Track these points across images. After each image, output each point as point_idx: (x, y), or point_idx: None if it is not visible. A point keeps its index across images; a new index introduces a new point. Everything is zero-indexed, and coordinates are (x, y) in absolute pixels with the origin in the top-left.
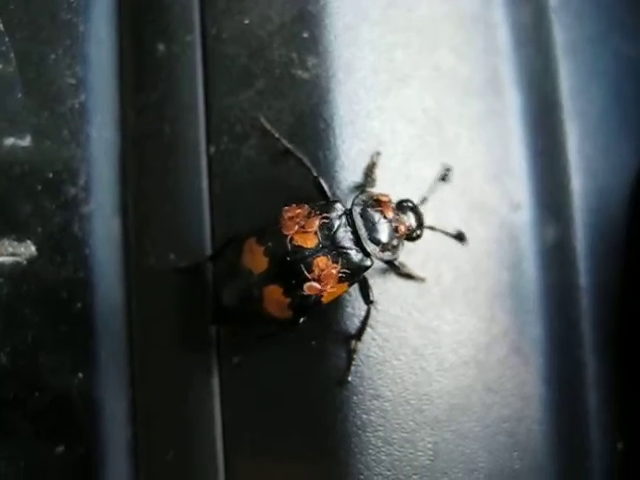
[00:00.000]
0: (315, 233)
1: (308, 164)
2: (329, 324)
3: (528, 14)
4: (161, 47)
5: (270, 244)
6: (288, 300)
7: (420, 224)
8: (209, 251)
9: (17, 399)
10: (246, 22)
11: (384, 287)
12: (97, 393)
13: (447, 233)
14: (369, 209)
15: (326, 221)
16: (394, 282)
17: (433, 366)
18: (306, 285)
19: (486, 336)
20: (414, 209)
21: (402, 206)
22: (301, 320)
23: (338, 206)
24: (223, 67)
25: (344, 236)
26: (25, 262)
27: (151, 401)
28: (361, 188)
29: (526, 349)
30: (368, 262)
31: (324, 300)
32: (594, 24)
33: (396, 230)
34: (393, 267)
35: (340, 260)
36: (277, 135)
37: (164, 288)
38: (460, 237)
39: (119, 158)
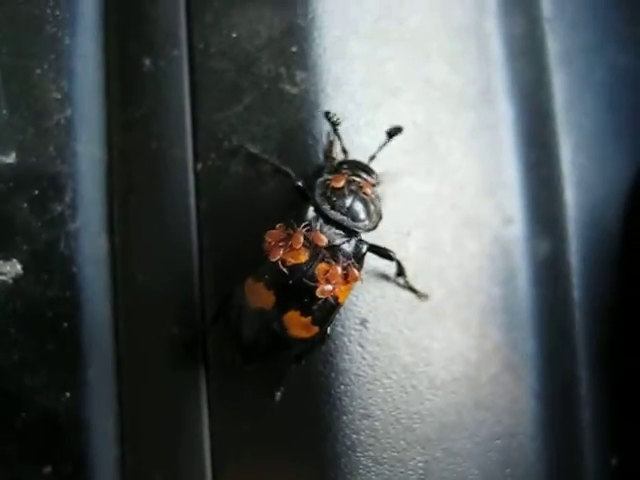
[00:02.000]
0: (304, 246)
1: (292, 175)
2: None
3: (521, 25)
4: (147, 62)
5: (267, 276)
6: (309, 318)
7: (369, 171)
8: (197, 270)
9: (3, 419)
10: (234, 36)
11: (374, 305)
12: (84, 412)
13: (384, 144)
14: (334, 199)
15: (308, 230)
16: (384, 299)
17: (424, 384)
18: (318, 290)
19: (477, 353)
20: (357, 164)
21: (349, 169)
22: (329, 331)
23: (309, 210)
24: (211, 82)
25: (329, 234)
26: (11, 281)
27: (139, 420)
28: (322, 172)
29: (518, 365)
30: (364, 247)
31: (341, 301)
32: (589, 34)
33: (365, 195)
34: (399, 268)
35: (338, 258)
36: (263, 156)
37: (152, 306)
38: (395, 131)
39: (106, 174)
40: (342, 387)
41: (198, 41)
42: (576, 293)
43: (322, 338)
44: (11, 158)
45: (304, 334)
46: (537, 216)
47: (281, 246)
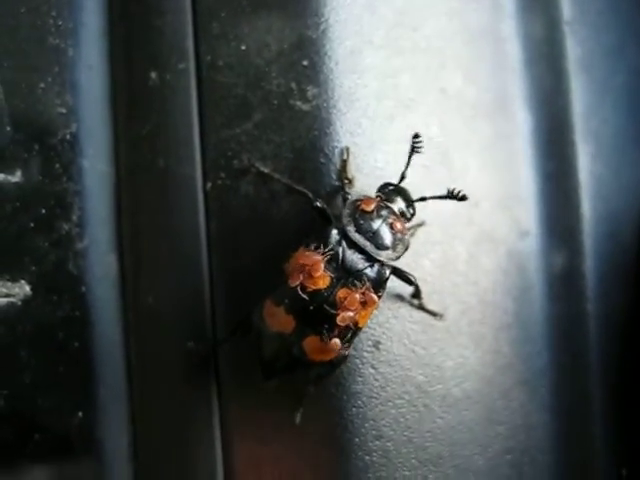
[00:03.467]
0: (325, 271)
1: (309, 194)
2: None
3: (540, 27)
4: (153, 75)
5: (287, 301)
6: (329, 344)
7: (409, 202)
8: (207, 290)
9: (17, 442)
10: (243, 48)
11: (387, 326)
12: (97, 432)
13: (441, 197)
14: (361, 221)
15: (330, 254)
16: (397, 320)
17: (437, 402)
18: (339, 318)
19: (491, 368)
20: (398, 190)
21: (386, 193)
22: (347, 353)
23: (333, 232)
24: (219, 97)
25: (352, 259)
26: (20, 303)
27: (152, 438)
28: (341, 194)
29: (531, 380)
30: (387, 272)
31: (361, 325)
32: (610, 35)
33: (393, 227)
34: (416, 291)
35: (360, 284)
36: (276, 176)
37: (163, 325)
38: (453, 195)
39: (113, 191)
40: (354, 409)
41: (205, 54)
42: (591, 307)
43: (343, 359)
44: (16, 177)
45: (324, 358)
46: (553, 229)
47: (302, 271)
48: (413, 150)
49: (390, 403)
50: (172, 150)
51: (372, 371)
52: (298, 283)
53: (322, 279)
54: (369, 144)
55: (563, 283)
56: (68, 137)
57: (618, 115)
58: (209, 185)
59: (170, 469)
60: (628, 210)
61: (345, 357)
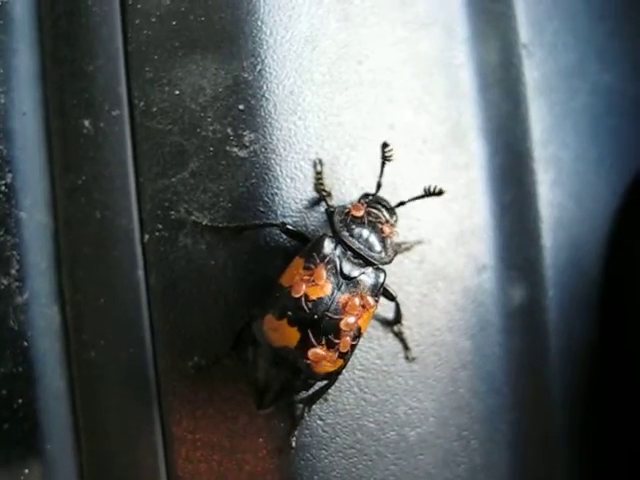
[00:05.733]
0: (326, 280)
1: (269, 221)
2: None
3: (495, 52)
4: (87, 123)
5: (290, 313)
6: (335, 352)
7: (392, 211)
8: (149, 344)
9: None
10: (177, 93)
11: None
12: None
13: (419, 197)
14: (353, 226)
15: (328, 263)
16: (345, 369)
17: (390, 449)
18: (342, 322)
19: (447, 409)
20: (379, 200)
21: (370, 203)
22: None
23: (326, 241)
24: (153, 145)
25: (349, 265)
26: None
27: None
28: (325, 208)
29: (490, 418)
30: (382, 276)
31: (363, 330)
32: (569, 55)
33: (382, 232)
34: (396, 313)
35: (358, 289)
36: (221, 225)
37: (108, 378)
38: (431, 192)
39: (53, 242)
40: (302, 462)
41: (138, 99)
42: (553, 340)
43: (339, 371)
44: None
45: (330, 368)
46: (512, 261)
47: (303, 281)
48: (385, 159)
49: (340, 453)
50: (108, 201)
51: (320, 422)
52: (302, 293)
53: (325, 285)
54: (312, 189)
55: (523, 317)
56: (3, 188)
57: (579, 138)
58: (147, 237)
59: None
60: (591, 239)
61: (341, 370)
